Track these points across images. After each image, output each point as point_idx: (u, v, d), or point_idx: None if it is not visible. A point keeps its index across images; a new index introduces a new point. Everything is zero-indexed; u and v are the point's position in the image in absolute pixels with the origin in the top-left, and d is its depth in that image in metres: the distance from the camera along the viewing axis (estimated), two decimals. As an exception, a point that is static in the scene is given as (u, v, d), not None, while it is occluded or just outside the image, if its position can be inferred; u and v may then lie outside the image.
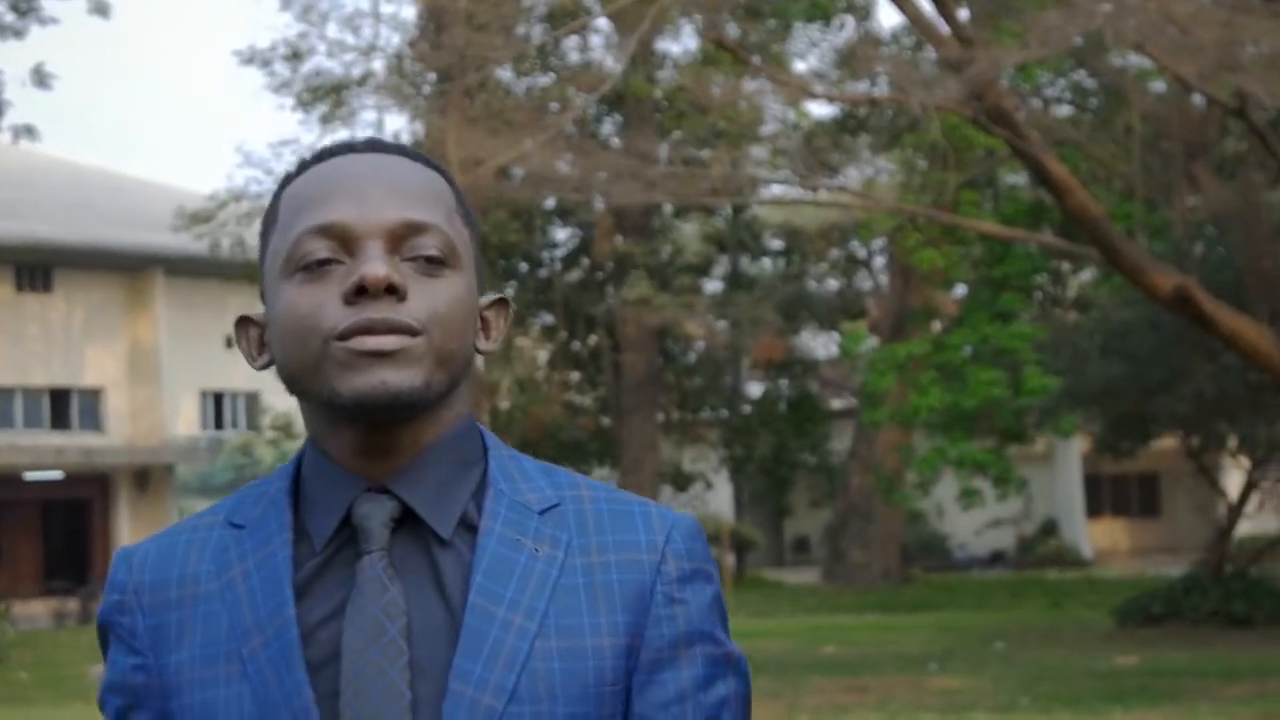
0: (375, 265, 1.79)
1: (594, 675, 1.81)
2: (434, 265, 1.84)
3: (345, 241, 1.83)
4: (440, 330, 1.82)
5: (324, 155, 1.92)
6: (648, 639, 1.84)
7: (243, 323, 1.95)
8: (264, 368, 1.94)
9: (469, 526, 1.86)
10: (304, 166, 1.93)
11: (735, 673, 1.91)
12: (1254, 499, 27.72)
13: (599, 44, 34.83)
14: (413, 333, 1.79)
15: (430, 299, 1.82)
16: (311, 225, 1.84)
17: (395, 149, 1.93)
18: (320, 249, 1.82)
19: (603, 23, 31.23)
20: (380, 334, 1.78)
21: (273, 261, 1.89)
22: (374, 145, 1.92)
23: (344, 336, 1.79)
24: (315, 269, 1.82)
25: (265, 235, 1.93)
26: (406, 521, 1.85)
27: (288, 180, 1.93)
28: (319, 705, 1.77)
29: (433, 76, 30.30)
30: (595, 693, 1.80)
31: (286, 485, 1.90)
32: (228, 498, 1.96)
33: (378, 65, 32.30)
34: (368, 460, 1.85)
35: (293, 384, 1.86)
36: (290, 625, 1.80)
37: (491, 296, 1.97)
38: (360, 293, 1.79)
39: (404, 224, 1.84)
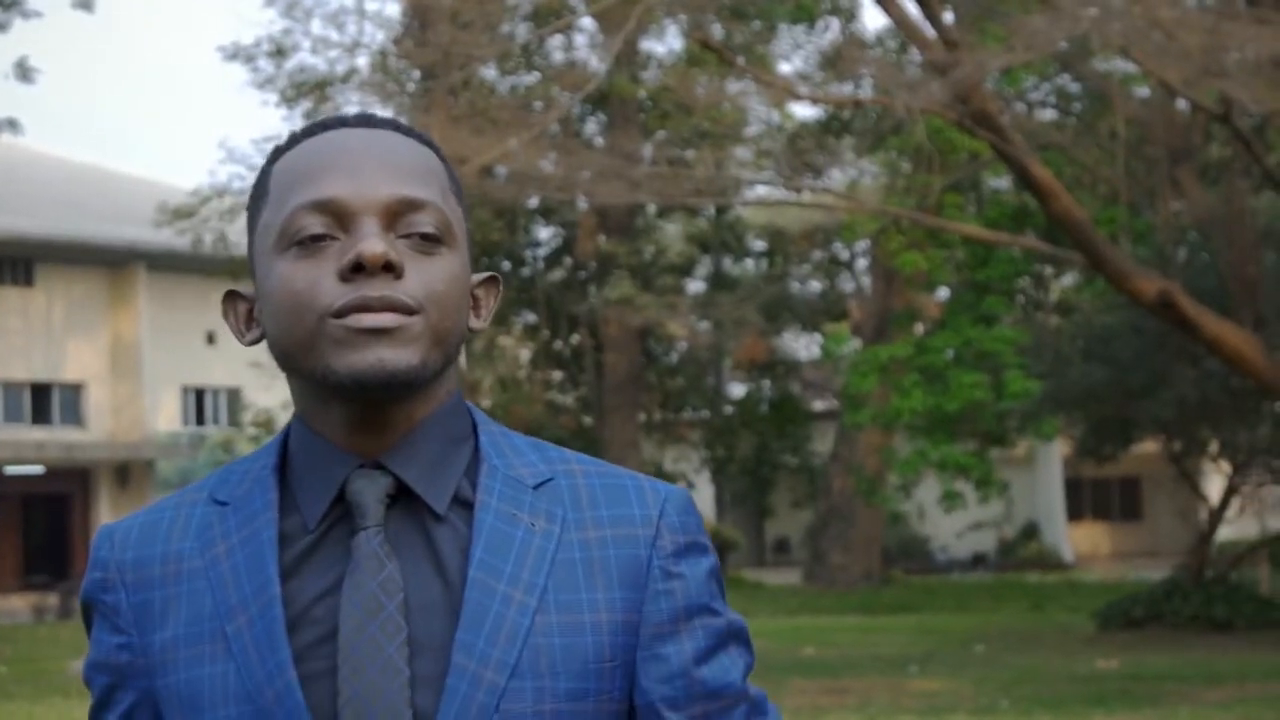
0: (373, 242, 1.77)
1: (593, 651, 1.81)
2: (429, 243, 1.82)
3: (341, 217, 1.80)
4: (437, 309, 1.80)
5: (315, 129, 1.90)
6: (646, 614, 1.84)
7: (231, 297, 1.93)
8: (253, 343, 1.92)
9: (462, 502, 1.85)
10: (295, 140, 1.91)
11: (737, 642, 1.91)
12: (1235, 504, 27.77)
13: (583, 43, 34.84)
14: (410, 311, 1.78)
15: (426, 277, 1.80)
16: (306, 200, 1.81)
17: (388, 124, 1.91)
18: (315, 224, 1.80)
19: (587, 22, 31.25)
20: (377, 312, 1.76)
21: (264, 236, 1.86)
22: (366, 120, 1.90)
23: (340, 314, 1.77)
24: (309, 244, 1.80)
25: (254, 209, 1.91)
26: (401, 498, 1.83)
27: (278, 154, 1.91)
28: (316, 682, 1.76)
29: (417, 74, 30.28)
30: (595, 668, 1.80)
31: (273, 462, 1.88)
32: (212, 474, 1.94)
33: (362, 62, 32.33)
34: (360, 437, 1.83)
35: (286, 360, 1.84)
36: (274, 603, 1.78)
37: (482, 275, 1.95)
38: (357, 270, 1.77)
39: (400, 201, 1.82)
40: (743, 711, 1.90)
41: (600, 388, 38.10)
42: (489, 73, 32.39)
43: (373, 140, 1.86)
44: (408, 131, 1.91)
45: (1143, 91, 24.46)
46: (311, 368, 1.80)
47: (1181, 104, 22.90)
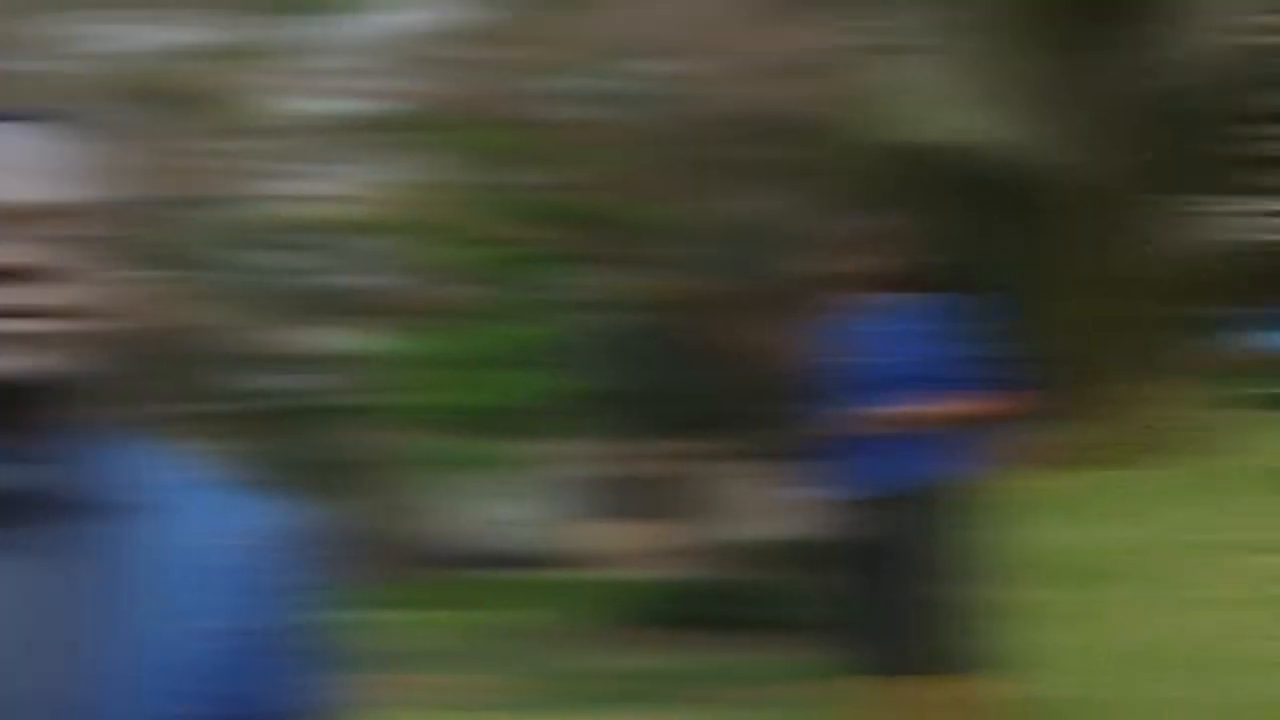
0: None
1: (224, 660, 1.81)
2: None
3: None
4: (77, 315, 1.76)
5: None
6: (256, 625, 1.87)
7: None
8: None
9: (104, 504, 1.78)
10: None
11: None
12: (754, 504, 28.64)
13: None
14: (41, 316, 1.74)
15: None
16: None
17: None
18: None
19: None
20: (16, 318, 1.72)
21: None
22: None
23: None
24: None
25: None
26: (40, 497, 1.75)
27: None
28: None
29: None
30: (225, 678, 1.81)
31: None
32: None
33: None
34: None
35: None
36: None
37: None
38: None
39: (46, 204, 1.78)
40: None
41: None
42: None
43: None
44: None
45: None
46: None
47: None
